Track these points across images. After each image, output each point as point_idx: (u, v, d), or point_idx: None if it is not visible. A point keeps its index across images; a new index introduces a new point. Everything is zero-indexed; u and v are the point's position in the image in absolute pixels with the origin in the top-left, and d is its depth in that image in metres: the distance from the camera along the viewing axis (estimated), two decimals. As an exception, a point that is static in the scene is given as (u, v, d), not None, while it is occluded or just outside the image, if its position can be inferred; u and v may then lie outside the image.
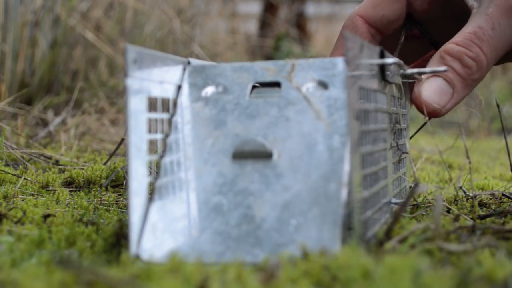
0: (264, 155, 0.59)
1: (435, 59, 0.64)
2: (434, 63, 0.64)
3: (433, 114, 0.64)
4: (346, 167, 0.55)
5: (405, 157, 0.75)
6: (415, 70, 0.63)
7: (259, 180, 0.59)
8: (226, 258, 0.54)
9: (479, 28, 0.63)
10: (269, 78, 0.62)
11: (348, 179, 0.55)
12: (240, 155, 0.60)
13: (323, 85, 0.60)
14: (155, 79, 0.58)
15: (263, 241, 0.55)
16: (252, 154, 0.60)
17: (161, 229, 0.56)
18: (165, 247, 0.55)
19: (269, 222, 0.56)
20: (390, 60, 0.59)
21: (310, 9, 3.84)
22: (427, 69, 0.63)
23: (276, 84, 0.62)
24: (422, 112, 0.64)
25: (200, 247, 0.56)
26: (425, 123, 0.76)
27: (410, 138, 0.82)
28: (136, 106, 0.55)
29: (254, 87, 0.63)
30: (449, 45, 0.64)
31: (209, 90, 0.63)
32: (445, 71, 0.62)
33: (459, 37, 0.64)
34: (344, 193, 0.54)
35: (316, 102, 0.59)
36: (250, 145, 0.60)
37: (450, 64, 0.63)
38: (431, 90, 0.63)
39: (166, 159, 0.59)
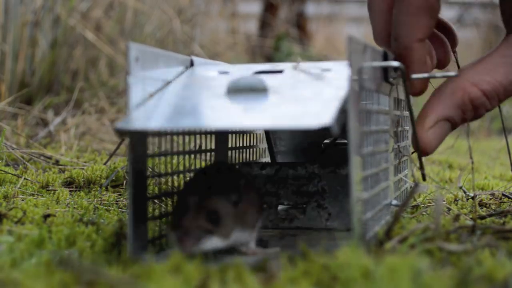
0: (260, 89, 0.56)
1: (455, 98, 0.59)
2: (452, 100, 0.59)
3: (425, 155, 0.60)
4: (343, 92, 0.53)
5: (406, 159, 0.75)
6: (426, 75, 0.60)
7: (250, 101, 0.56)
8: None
9: (511, 83, 0.58)
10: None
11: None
12: (235, 89, 0.57)
13: (327, 71, 0.59)
14: (157, 78, 0.58)
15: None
16: (247, 88, 0.57)
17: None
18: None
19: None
20: (394, 63, 0.58)
21: (310, 9, 3.84)
22: (438, 74, 0.61)
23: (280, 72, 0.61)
24: (417, 152, 0.60)
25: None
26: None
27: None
28: (138, 104, 0.55)
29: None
30: (476, 93, 0.58)
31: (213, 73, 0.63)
32: (456, 76, 0.60)
33: (488, 84, 0.58)
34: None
35: (318, 77, 0.58)
36: (246, 80, 0.57)
37: (466, 113, 0.59)
38: (436, 138, 0.59)
39: None
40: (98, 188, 0.88)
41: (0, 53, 1.53)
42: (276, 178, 0.71)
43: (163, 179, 0.60)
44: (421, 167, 0.64)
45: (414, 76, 0.59)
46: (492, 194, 0.82)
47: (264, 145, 0.83)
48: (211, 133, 0.71)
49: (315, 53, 3.13)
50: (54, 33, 1.65)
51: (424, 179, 0.65)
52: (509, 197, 0.80)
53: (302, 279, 0.44)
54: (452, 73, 0.59)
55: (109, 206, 0.77)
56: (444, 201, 0.79)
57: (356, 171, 0.49)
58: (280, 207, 0.71)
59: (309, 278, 0.44)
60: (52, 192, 0.86)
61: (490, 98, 0.59)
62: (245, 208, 0.56)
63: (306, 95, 0.54)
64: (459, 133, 1.59)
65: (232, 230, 0.54)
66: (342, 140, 0.80)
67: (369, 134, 0.54)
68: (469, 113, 0.59)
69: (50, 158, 1.12)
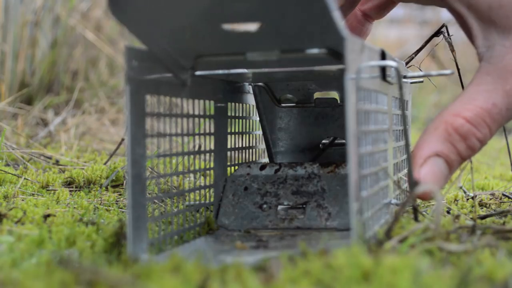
0: None
1: (439, 132, 0.58)
2: (437, 135, 0.58)
3: (425, 198, 0.59)
4: None
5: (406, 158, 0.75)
6: (422, 73, 0.60)
7: None
8: None
9: (494, 105, 0.58)
10: None
11: None
12: None
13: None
14: (156, 79, 0.58)
15: None
16: None
17: None
18: None
19: None
20: (391, 63, 0.58)
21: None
22: (434, 73, 0.60)
23: None
24: (412, 189, 0.58)
25: None
26: None
27: None
28: (136, 105, 0.55)
29: None
30: (458, 121, 0.58)
31: None
32: (452, 73, 0.59)
33: (470, 111, 0.58)
34: None
35: None
36: None
37: (455, 144, 0.58)
38: (430, 175, 0.58)
39: None
40: (98, 188, 0.88)
41: (0, 53, 1.53)
42: (276, 178, 0.71)
43: (162, 180, 0.60)
44: (414, 208, 0.61)
45: (410, 74, 0.59)
46: (492, 194, 0.82)
47: (263, 145, 0.83)
48: (210, 134, 0.71)
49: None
50: (54, 33, 1.65)
51: (416, 219, 0.61)
52: (509, 197, 0.80)
53: (302, 279, 0.44)
54: (447, 71, 0.58)
55: (109, 206, 0.77)
56: (444, 201, 0.79)
57: (355, 172, 0.50)
58: (280, 207, 0.71)
59: (309, 278, 0.44)
60: (52, 192, 0.86)
61: (476, 124, 0.58)
62: None
63: None
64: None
65: None
66: (341, 140, 0.80)
67: (368, 134, 0.54)
68: (460, 144, 0.58)
69: (50, 158, 1.12)
